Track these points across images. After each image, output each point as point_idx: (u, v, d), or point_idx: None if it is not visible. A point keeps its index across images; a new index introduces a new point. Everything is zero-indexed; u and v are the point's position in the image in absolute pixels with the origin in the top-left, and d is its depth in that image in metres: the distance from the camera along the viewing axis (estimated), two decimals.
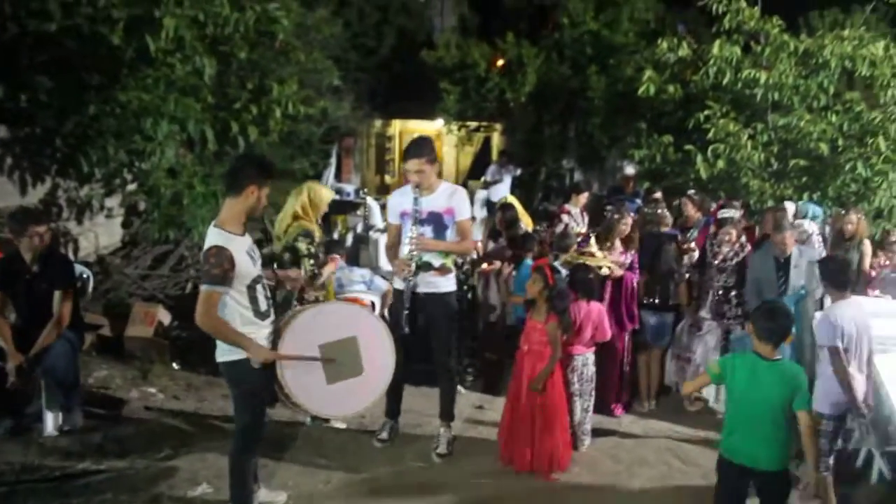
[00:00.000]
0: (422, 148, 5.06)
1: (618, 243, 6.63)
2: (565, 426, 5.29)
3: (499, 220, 7.76)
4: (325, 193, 5.86)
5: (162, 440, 5.45)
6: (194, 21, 6.24)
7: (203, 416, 6.00)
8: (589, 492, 4.95)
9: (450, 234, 5.13)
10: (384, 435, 5.46)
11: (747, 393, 3.77)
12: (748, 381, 3.77)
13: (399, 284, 5.21)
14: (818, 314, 5.70)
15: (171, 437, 5.52)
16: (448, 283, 5.23)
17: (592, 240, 6.73)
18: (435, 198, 5.11)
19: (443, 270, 5.16)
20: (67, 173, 7.05)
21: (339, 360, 4.26)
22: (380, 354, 4.49)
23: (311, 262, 5.63)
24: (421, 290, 5.10)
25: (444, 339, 5.28)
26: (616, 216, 6.71)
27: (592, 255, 6.41)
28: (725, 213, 6.97)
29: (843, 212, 7.08)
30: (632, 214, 6.94)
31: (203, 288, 3.83)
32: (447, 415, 5.45)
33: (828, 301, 5.67)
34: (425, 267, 5.08)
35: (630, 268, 6.59)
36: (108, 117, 6.27)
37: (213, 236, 3.90)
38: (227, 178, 4.06)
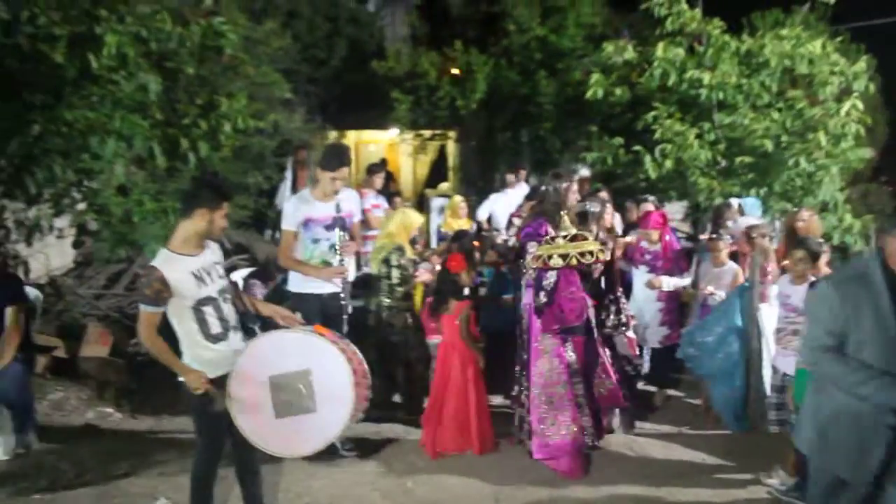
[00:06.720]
0: (348, 155, 5.37)
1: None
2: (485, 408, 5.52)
3: (455, 249, 6.78)
4: (415, 217, 6.64)
5: (119, 458, 5.43)
6: (137, 37, 6.22)
7: (161, 434, 5.97)
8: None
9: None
10: None
11: None
12: None
13: (321, 289, 5.31)
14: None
15: (129, 454, 5.50)
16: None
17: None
18: (343, 202, 5.30)
19: None
20: (14, 194, 6.96)
21: (288, 395, 3.93)
22: (336, 393, 3.97)
23: (399, 273, 6.22)
24: (324, 290, 5.29)
25: None
26: None
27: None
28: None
29: (794, 209, 7.19)
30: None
31: (140, 307, 3.88)
32: None
33: (772, 292, 5.79)
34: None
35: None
36: (54, 136, 6.21)
37: (156, 257, 3.90)
38: (180, 201, 4.05)
